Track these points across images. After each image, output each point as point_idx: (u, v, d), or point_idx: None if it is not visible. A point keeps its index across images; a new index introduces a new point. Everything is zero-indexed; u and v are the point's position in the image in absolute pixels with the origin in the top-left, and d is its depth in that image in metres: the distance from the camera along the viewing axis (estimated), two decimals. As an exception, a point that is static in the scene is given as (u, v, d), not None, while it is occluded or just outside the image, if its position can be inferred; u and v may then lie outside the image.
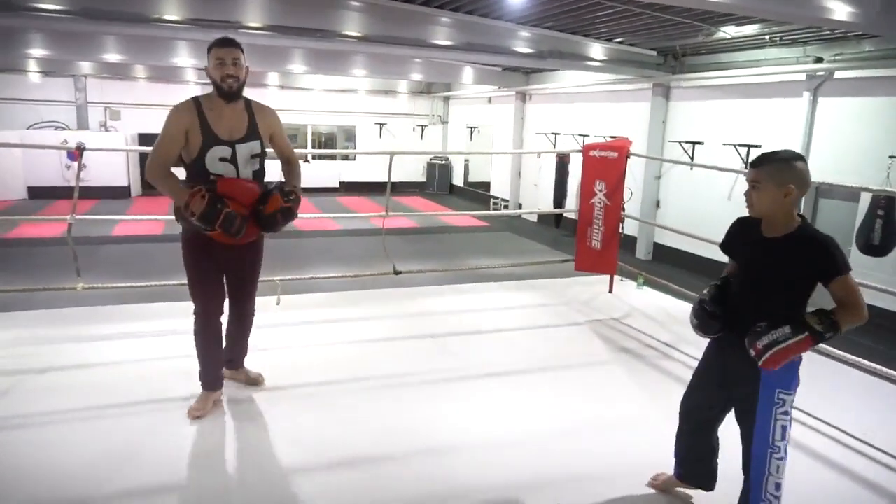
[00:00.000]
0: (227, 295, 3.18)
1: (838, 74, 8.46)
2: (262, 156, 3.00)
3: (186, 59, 10.94)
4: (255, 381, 3.46)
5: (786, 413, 2.11)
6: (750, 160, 9.78)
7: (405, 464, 2.85)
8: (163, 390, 3.39)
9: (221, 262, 3.04)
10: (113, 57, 10.66)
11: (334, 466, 2.77)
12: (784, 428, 2.11)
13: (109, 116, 16.38)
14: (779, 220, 2.12)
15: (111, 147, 14.36)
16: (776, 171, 2.08)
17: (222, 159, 2.86)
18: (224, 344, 3.27)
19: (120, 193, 15.51)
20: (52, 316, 4.66)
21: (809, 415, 3.36)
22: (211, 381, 3.17)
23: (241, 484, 2.63)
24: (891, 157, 7.76)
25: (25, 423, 3.05)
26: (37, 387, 3.45)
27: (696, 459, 2.50)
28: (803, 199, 8.54)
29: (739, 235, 2.32)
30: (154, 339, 4.17)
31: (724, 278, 2.34)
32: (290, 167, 3.22)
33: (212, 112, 2.84)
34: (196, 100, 2.87)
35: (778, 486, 2.16)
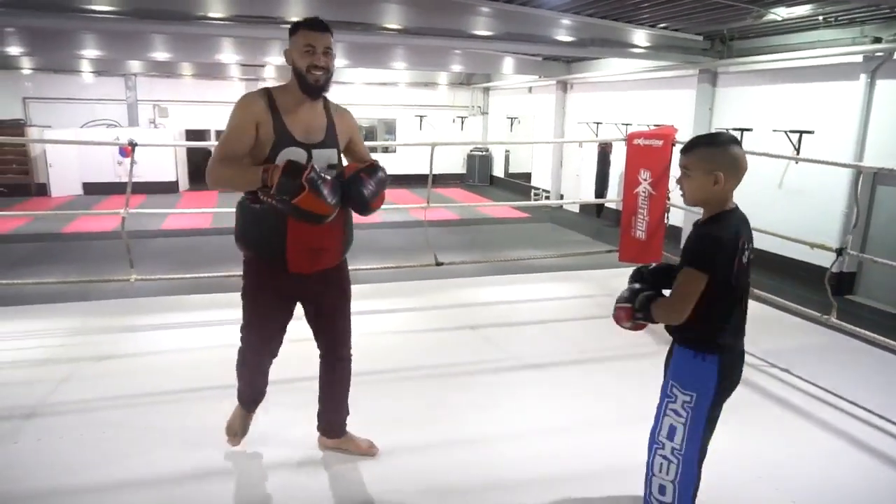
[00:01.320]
0: (316, 338, 2.66)
1: (898, 55, 8.06)
2: (339, 167, 2.46)
3: (230, 55, 11.14)
4: (367, 453, 2.81)
5: (677, 412, 1.99)
6: (799, 146, 9.39)
7: (447, 453, 2.86)
8: (212, 377, 3.49)
9: (294, 291, 2.49)
10: (161, 55, 10.94)
11: (377, 455, 2.80)
12: (672, 427, 1.99)
13: (158, 114, 16.86)
14: (710, 207, 1.98)
15: (160, 143, 14.76)
16: (705, 156, 1.94)
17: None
18: (319, 401, 2.78)
19: (169, 188, 15.96)
20: (108, 306, 4.84)
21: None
22: (246, 401, 2.76)
23: (286, 468, 2.69)
24: (955, 141, 7.37)
25: (86, 409, 3.18)
26: (95, 374, 3.60)
27: None
28: (859, 185, 8.23)
29: None
30: (203, 328, 4.29)
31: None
32: None
33: (287, 108, 2.33)
34: (268, 91, 2.38)
35: (663, 490, 2.03)
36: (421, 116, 19.04)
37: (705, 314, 1.91)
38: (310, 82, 2.31)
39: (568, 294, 5.38)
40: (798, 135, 9.43)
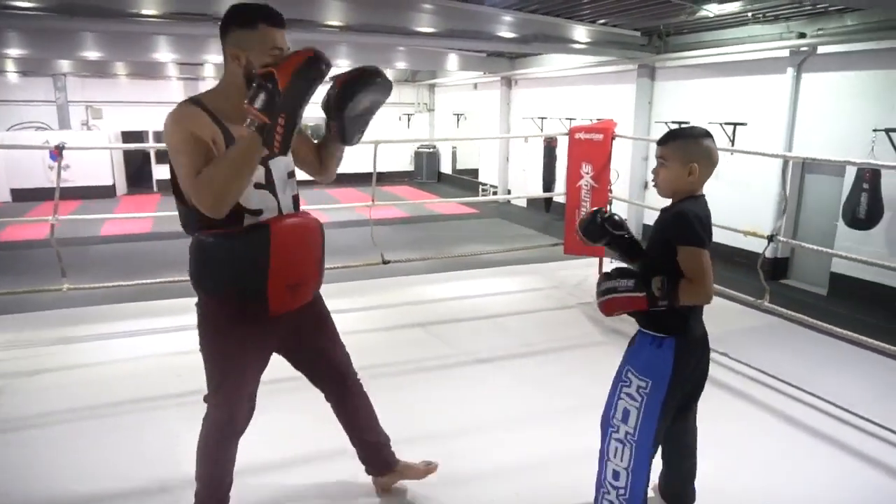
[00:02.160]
0: (318, 380, 2.37)
1: (821, 49, 8.47)
2: (294, 174, 2.10)
3: (167, 54, 10.79)
4: (430, 472, 2.55)
5: (631, 396, 2.01)
6: (734, 137, 9.74)
7: (399, 450, 2.85)
8: (153, 388, 3.38)
9: (274, 339, 2.11)
10: (92, 54, 10.51)
11: (331, 457, 2.77)
12: (626, 411, 2.01)
13: (91, 115, 16.18)
14: (679, 196, 2.06)
15: (93, 146, 14.17)
16: (682, 148, 2.02)
17: (257, 185, 1.90)
18: (351, 438, 2.44)
19: (105, 192, 15.36)
20: (40, 318, 4.63)
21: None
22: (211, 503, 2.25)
23: (237, 479, 2.63)
24: (874, 130, 7.80)
25: (18, 427, 3.04)
26: (27, 389, 3.44)
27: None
28: (790, 173, 8.59)
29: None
30: (143, 337, 4.16)
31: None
32: None
33: (230, 117, 1.85)
34: (198, 101, 1.87)
35: (616, 475, 2.03)
36: (367, 114, 18.88)
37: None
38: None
39: (516, 288, 5.44)
40: (732, 127, 9.80)
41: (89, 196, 14.46)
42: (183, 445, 2.85)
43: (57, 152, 4.26)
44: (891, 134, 7.67)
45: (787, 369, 3.67)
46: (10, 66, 14.18)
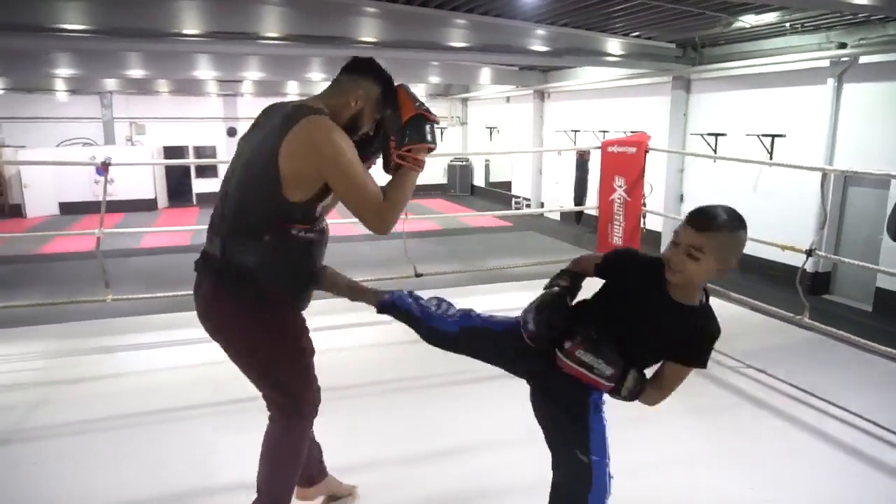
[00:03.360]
0: None
1: (863, 59, 8.26)
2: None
3: (207, 71, 11.12)
4: (351, 494, 2.59)
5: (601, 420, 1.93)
6: (772, 149, 9.53)
7: (426, 465, 2.86)
8: (194, 397, 3.46)
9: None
10: (136, 73, 10.89)
11: (354, 469, 2.79)
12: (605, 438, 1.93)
13: (135, 131, 16.72)
14: (693, 288, 1.73)
15: (137, 161, 14.63)
16: (726, 244, 1.64)
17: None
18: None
19: (147, 206, 15.82)
20: (84, 327, 4.78)
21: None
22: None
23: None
24: (921, 141, 7.56)
25: (62, 433, 3.14)
26: (70, 397, 3.55)
27: None
28: (830, 188, 8.34)
29: (634, 273, 1.83)
30: (182, 347, 4.26)
31: (571, 282, 2.03)
32: None
33: None
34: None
35: None
36: (400, 128, 19.10)
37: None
38: (353, 136, 1.98)
39: (548, 302, 5.42)
40: (770, 139, 9.61)
41: (132, 209, 14.91)
42: (223, 454, 2.91)
43: (103, 168, 4.42)
44: (938, 145, 7.42)
45: (827, 387, 3.56)
46: (59, 85, 14.79)
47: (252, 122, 2.11)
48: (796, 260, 4.09)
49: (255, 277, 1.93)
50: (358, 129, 2.03)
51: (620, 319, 1.80)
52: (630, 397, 1.76)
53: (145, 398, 3.48)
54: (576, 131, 14.11)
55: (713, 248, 1.62)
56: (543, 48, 9.31)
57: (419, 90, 18.53)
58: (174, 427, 3.17)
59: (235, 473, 2.76)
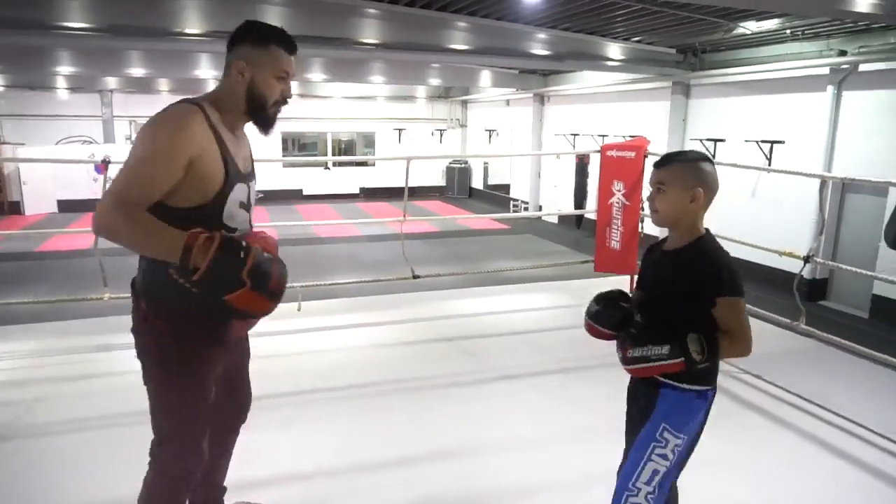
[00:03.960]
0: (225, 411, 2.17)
1: (863, 67, 8.29)
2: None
3: (207, 70, 11.13)
4: None
5: (664, 457, 1.83)
6: (771, 156, 9.57)
7: (426, 466, 2.86)
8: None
9: (223, 363, 1.99)
10: (137, 71, 10.90)
11: (358, 470, 2.80)
12: (655, 472, 1.84)
13: (134, 129, 16.73)
14: (682, 229, 1.88)
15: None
16: (683, 171, 1.85)
17: (241, 205, 1.88)
18: (208, 475, 2.23)
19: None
20: (83, 325, 4.78)
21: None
22: None
23: (268, 485, 2.67)
24: (919, 149, 7.58)
25: (60, 431, 3.14)
26: (67, 394, 3.55)
27: None
28: (828, 195, 8.38)
29: (647, 259, 2.05)
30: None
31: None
32: None
33: (226, 132, 1.81)
34: (200, 106, 1.76)
35: None
36: (400, 129, 19.11)
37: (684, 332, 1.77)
38: (270, 115, 1.85)
39: (545, 305, 5.42)
40: (769, 145, 9.64)
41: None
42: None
43: (103, 166, 4.43)
44: (936, 153, 7.44)
45: (823, 393, 3.57)
46: (60, 82, 14.80)
47: None
48: (794, 266, 4.11)
49: (140, 295, 1.80)
50: (266, 99, 1.81)
51: (650, 300, 1.92)
52: (709, 358, 1.75)
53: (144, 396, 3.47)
54: (575, 135, 14.13)
55: (672, 178, 1.86)
56: (544, 52, 9.34)
57: (420, 91, 18.55)
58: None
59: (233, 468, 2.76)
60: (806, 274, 9.03)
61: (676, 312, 1.82)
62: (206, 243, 1.58)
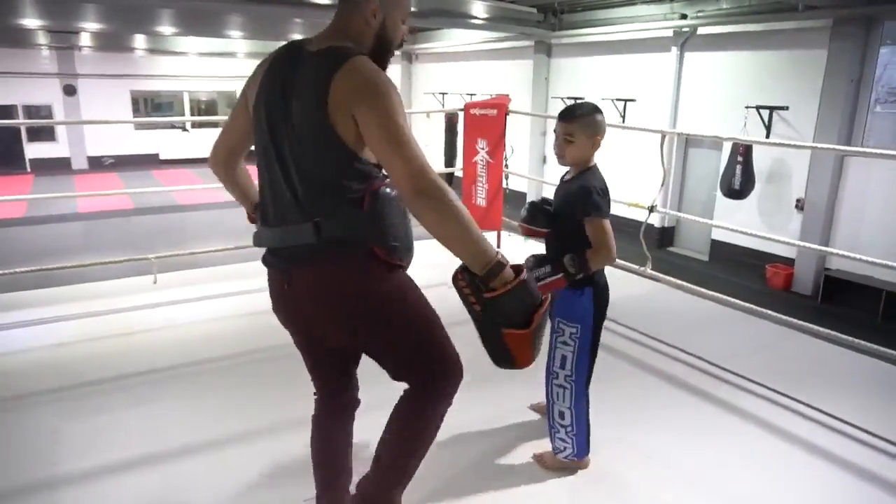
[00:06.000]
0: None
1: (701, 30, 8.99)
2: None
3: (33, 20, 9.85)
4: None
5: (565, 343, 2.31)
6: (625, 113, 10.17)
7: (298, 435, 2.82)
8: (35, 384, 3.15)
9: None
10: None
11: (223, 444, 2.69)
12: (563, 357, 2.32)
13: None
14: (580, 165, 2.34)
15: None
16: (588, 124, 2.27)
17: None
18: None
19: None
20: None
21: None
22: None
23: (129, 470, 2.51)
24: (746, 107, 8.41)
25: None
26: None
27: None
28: (675, 147, 9.06)
29: (557, 189, 2.49)
30: (22, 329, 3.84)
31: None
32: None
33: None
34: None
35: (562, 415, 2.36)
36: (264, 88, 18.22)
37: (575, 250, 2.25)
38: (387, 61, 1.75)
39: (416, 263, 5.48)
40: (623, 103, 10.25)
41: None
42: (65, 442, 2.68)
43: None
44: (760, 111, 8.30)
45: (670, 332, 3.93)
46: None
47: (251, 79, 1.76)
48: (644, 216, 4.43)
49: (365, 246, 1.67)
50: (392, 43, 1.72)
51: (558, 221, 2.37)
52: (580, 270, 2.19)
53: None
54: (444, 94, 14.21)
55: (579, 130, 2.27)
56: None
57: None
58: (11, 418, 2.88)
59: (84, 460, 2.56)
60: (656, 223, 9.84)
61: (563, 227, 2.31)
62: (512, 270, 1.52)
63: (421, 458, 1.85)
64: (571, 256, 2.20)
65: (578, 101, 2.37)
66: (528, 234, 2.49)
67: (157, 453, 2.61)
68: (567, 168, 2.42)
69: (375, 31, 1.68)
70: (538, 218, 2.41)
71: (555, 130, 2.35)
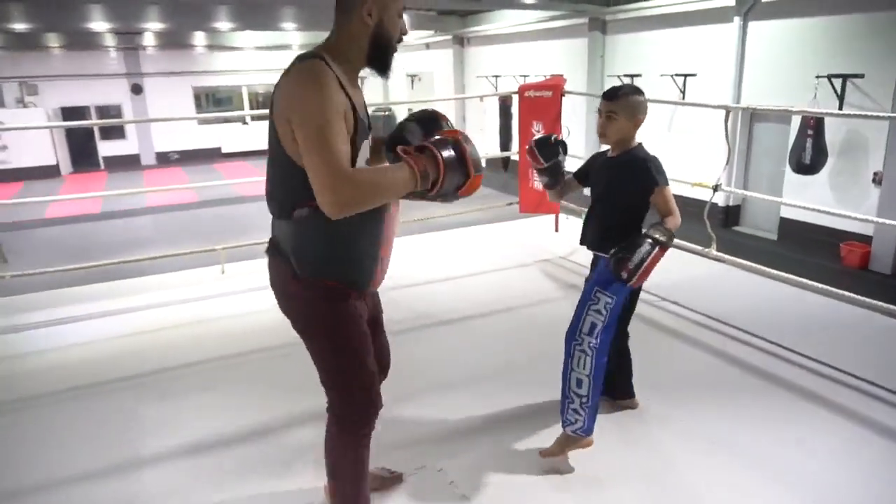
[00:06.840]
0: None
1: (766, -3, 8.55)
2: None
3: (101, 22, 10.30)
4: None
5: (599, 312, 2.28)
6: (685, 89, 9.81)
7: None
8: (110, 371, 3.33)
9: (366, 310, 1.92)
10: (20, 25, 9.96)
11: (301, 423, 2.78)
12: (593, 325, 2.29)
13: (26, 91, 15.43)
14: (625, 144, 2.46)
15: (30, 125, 13.54)
16: (629, 104, 2.39)
17: (366, 161, 1.82)
18: None
19: (49, 173, 14.77)
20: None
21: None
22: None
23: (196, 453, 2.63)
24: (817, 77, 7.97)
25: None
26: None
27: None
28: (739, 122, 8.70)
29: (593, 163, 2.66)
30: (95, 321, 4.06)
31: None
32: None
33: (349, 84, 1.69)
34: (324, 61, 1.63)
35: (580, 383, 2.31)
36: (319, 79, 18.51)
37: (630, 224, 2.42)
38: (390, 57, 1.75)
39: (474, 248, 5.47)
40: (683, 78, 9.88)
41: (32, 177, 13.91)
42: (144, 424, 2.83)
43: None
44: (832, 80, 7.85)
45: (733, 314, 3.79)
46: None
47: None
48: (706, 195, 4.28)
49: (290, 261, 1.73)
50: (392, 40, 1.73)
51: (603, 197, 2.54)
52: (671, 238, 2.27)
53: (58, 375, 3.31)
54: (497, 77, 14.06)
55: (622, 109, 2.40)
56: (459, -9, 9.14)
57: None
58: (94, 403, 3.05)
59: (161, 439, 2.70)
60: (720, 202, 9.49)
61: (618, 204, 2.46)
62: (429, 158, 1.63)
63: (350, 488, 1.95)
64: (657, 228, 2.27)
65: (620, 84, 2.47)
66: (531, 157, 2.56)
67: (229, 434, 2.72)
68: (607, 147, 2.55)
69: (372, 30, 1.69)
70: (544, 151, 2.52)
71: (598, 110, 2.47)
